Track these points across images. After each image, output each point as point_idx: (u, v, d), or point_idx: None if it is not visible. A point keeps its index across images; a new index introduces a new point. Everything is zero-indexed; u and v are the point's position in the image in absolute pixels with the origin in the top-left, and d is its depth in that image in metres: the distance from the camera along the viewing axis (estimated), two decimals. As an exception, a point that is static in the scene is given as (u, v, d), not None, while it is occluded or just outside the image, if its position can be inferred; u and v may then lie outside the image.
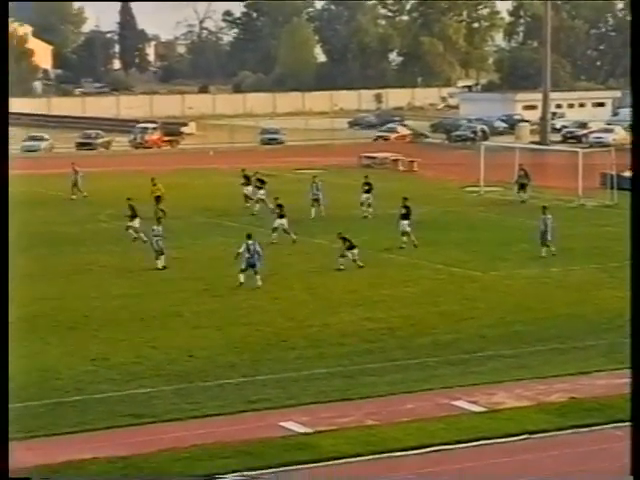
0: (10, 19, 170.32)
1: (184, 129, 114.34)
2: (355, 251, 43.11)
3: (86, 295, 39.77)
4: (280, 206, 49.09)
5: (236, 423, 25.75)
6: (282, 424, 25.52)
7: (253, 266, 39.74)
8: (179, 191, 64.40)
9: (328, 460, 23.28)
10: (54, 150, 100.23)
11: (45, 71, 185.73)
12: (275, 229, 48.67)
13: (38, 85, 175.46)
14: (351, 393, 28.06)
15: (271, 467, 22.84)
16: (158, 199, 56.29)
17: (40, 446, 24.53)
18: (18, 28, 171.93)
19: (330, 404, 27.20)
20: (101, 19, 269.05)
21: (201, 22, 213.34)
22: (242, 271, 39.88)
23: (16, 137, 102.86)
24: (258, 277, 39.99)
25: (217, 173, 79.20)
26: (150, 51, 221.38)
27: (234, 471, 22.69)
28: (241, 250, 39.90)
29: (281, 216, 48.67)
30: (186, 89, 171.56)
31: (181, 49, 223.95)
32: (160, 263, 43.66)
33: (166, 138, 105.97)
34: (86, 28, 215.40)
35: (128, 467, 23.15)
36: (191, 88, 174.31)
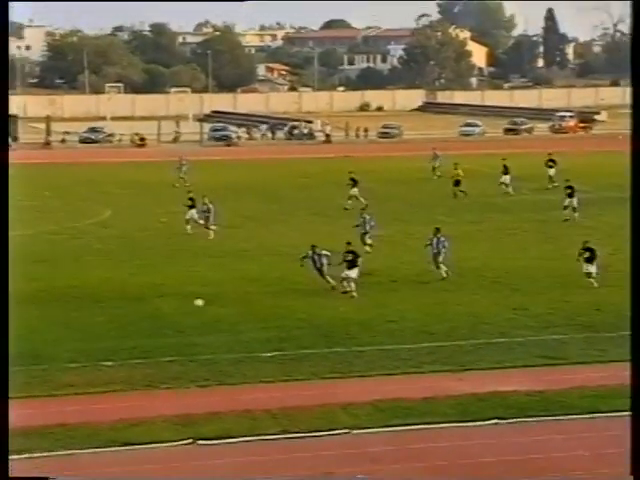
0: (452, 26, 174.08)
1: (597, 117, 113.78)
2: None
3: (509, 255, 39.78)
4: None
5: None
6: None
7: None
8: (593, 169, 63.52)
9: None
10: (486, 135, 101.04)
11: (480, 69, 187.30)
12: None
13: (474, 80, 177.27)
14: None
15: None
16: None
17: (466, 377, 24.87)
18: (459, 33, 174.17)
19: None
20: (529, 24, 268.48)
21: (615, 25, 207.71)
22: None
23: (455, 123, 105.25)
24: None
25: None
26: (569, 51, 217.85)
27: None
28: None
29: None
30: (599, 83, 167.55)
31: (596, 49, 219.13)
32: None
33: (581, 125, 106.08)
34: (515, 32, 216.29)
35: (543, 400, 23.05)
36: (603, 82, 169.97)
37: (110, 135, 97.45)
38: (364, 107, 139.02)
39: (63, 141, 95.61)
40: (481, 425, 21.58)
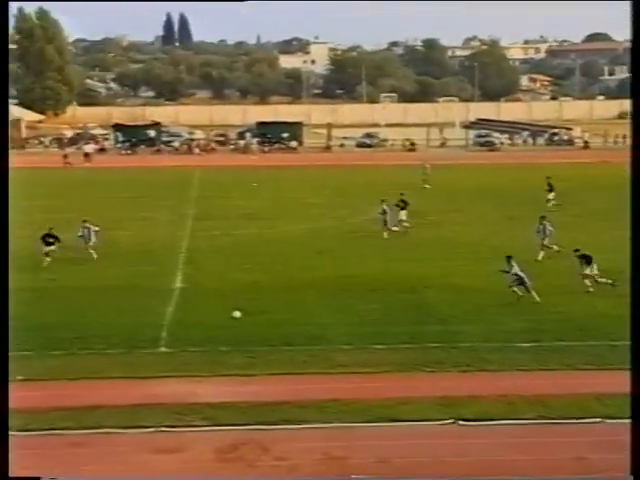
0: None
1: None
2: None
3: None
4: None
5: None
6: None
7: None
8: None
9: None
10: None
11: None
12: None
13: None
14: None
15: None
16: None
17: None
18: None
19: None
20: None
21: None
22: None
23: None
24: None
25: None
26: None
27: None
28: None
29: None
30: None
31: None
32: None
33: None
34: None
35: None
36: None
37: (383, 140, 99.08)
38: (623, 115, 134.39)
39: (342, 145, 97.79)
40: None
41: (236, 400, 22.08)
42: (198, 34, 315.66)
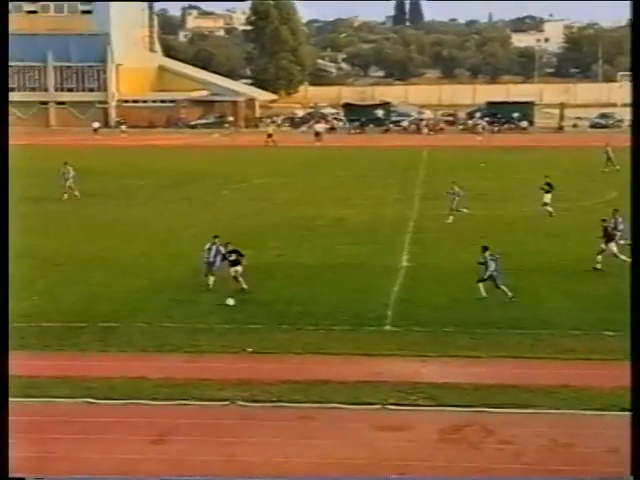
0: None
1: None
2: None
3: None
4: None
5: None
6: None
7: None
8: None
9: None
10: None
11: None
12: None
13: None
14: None
15: None
16: None
17: None
18: None
19: None
20: None
21: None
22: None
23: None
24: None
25: None
26: None
27: None
28: None
29: None
30: None
31: None
32: None
33: None
34: None
35: None
36: None
37: (619, 121, 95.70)
38: None
39: (575, 126, 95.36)
40: None
41: (461, 381, 21.97)
42: (429, 13, 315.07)
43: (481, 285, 29.18)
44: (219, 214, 45.92)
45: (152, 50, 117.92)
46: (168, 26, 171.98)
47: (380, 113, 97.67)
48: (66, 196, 51.12)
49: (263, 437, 18.93)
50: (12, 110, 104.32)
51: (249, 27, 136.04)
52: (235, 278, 30.23)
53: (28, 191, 51.97)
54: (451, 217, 43.38)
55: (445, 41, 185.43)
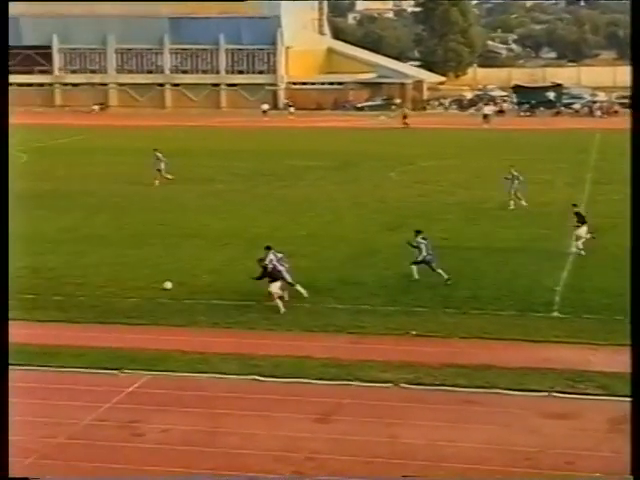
0: None
1: None
2: None
3: None
4: None
5: None
6: None
7: None
8: None
9: None
10: None
11: None
12: None
13: None
14: None
15: None
16: None
17: None
18: None
19: None
20: None
21: None
22: None
23: None
24: None
25: None
26: None
27: None
28: None
29: None
30: None
31: None
32: None
33: None
34: None
35: None
36: None
37: None
38: None
39: None
40: None
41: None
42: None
43: None
44: (386, 196, 45.99)
45: (321, 33, 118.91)
46: (337, 8, 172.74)
47: (551, 95, 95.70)
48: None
49: (426, 420, 18.89)
50: (184, 92, 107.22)
51: (418, 9, 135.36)
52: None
53: (199, 172, 53.35)
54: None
55: (621, 21, 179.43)
